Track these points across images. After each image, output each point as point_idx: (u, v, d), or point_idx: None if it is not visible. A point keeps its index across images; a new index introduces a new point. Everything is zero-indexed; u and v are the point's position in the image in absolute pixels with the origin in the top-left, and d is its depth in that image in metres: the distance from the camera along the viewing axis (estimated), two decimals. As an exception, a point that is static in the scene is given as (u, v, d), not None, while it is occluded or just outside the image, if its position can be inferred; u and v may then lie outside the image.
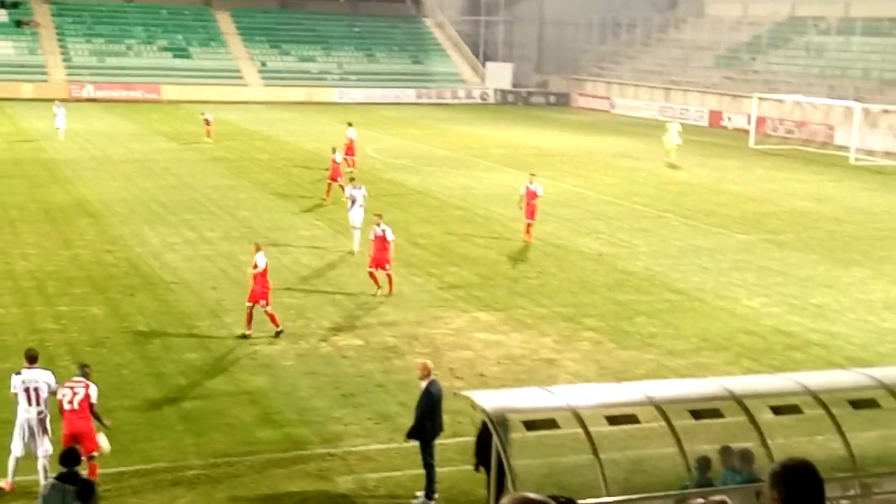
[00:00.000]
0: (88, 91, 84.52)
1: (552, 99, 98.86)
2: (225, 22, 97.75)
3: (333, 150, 43.45)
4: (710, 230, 39.18)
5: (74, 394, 16.69)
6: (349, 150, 50.16)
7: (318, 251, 33.88)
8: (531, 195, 35.87)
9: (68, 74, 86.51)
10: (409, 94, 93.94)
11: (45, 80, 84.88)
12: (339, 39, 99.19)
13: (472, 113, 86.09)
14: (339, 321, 26.41)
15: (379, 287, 28.63)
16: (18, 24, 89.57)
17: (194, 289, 28.85)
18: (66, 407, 16.63)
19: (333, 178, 42.63)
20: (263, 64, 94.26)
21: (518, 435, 15.58)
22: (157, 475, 17.55)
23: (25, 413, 16.89)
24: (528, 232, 36.07)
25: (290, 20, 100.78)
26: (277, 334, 24.76)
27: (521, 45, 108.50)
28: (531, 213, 35.96)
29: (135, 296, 28.00)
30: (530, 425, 15.43)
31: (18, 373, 17.15)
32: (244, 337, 24.60)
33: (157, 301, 27.58)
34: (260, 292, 24.82)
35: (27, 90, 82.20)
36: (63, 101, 63.07)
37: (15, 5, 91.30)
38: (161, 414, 20.17)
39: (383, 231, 28.55)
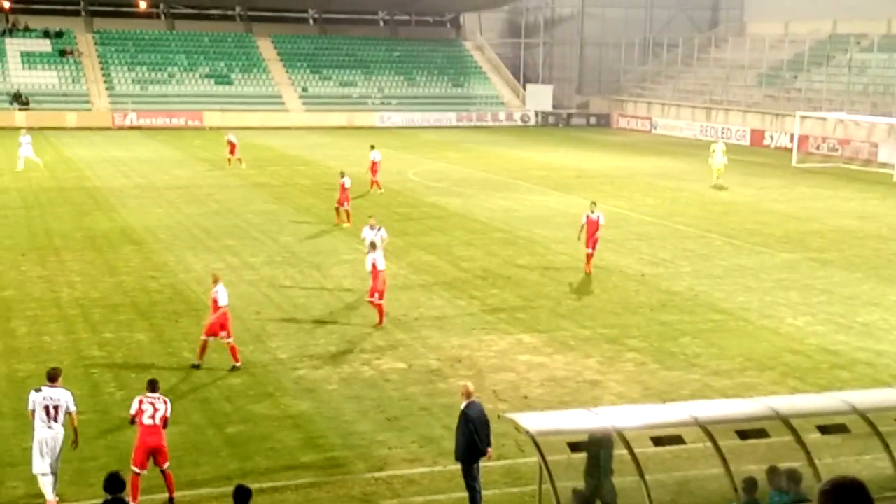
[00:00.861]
0: (131, 119, 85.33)
1: (593, 120, 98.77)
2: (266, 48, 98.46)
3: (342, 175, 42.62)
4: (753, 249, 38.95)
5: (156, 409, 17.05)
6: (372, 171, 50.88)
7: (359, 275, 33.86)
8: (592, 225, 34.39)
9: (111, 103, 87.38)
10: (449, 118, 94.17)
11: (88, 109, 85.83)
12: (380, 64, 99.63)
13: (512, 135, 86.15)
14: (381, 345, 26.43)
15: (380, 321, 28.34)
16: (62, 53, 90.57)
17: (238, 314, 28.85)
18: (147, 422, 16.96)
19: (340, 203, 42.40)
20: (304, 89, 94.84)
21: (562, 457, 15.53)
22: (201, 500, 17.59)
23: (46, 431, 16.88)
24: (588, 263, 34.64)
25: (331, 45, 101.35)
26: (233, 368, 24.22)
27: (562, 67, 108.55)
28: (593, 244, 34.37)
29: (179, 322, 28.20)
30: (575, 447, 15.39)
31: (38, 389, 17.13)
32: (196, 367, 24.33)
33: (201, 327, 27.62)
34: (219, 325, 24.40)
35: (71, 119, 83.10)
36: (30, 129, 62.85)
37: (59, 35, 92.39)
38: (206, 438, 20.25)
39: (374, 260, 28.47)
